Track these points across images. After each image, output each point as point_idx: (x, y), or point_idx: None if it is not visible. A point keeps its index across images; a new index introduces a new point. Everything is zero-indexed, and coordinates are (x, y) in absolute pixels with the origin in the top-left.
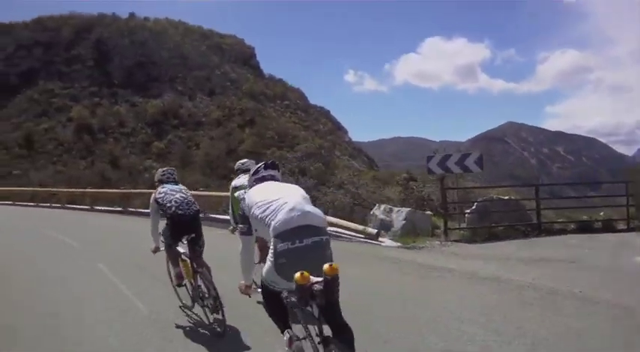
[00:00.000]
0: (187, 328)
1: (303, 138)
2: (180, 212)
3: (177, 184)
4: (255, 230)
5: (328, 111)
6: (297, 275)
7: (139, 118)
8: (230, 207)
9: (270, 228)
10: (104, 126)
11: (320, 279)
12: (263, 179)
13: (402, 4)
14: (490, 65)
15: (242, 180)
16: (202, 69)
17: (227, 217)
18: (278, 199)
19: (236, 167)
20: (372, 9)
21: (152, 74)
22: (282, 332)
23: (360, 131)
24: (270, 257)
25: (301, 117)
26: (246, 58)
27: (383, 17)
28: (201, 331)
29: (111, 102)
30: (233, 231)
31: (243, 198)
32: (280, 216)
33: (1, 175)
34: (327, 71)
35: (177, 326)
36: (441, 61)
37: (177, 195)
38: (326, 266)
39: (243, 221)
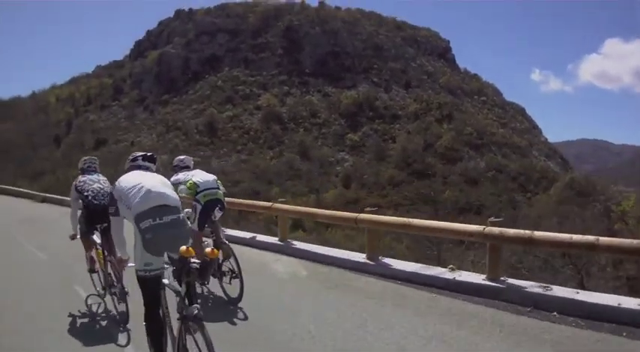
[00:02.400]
0: (91, 317)
1: (501, 136)
2: (95, 201)
3: (97, 174)
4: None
5: (523, 109)
6: (183, 248)
7: (332, 109)
8: None
9: (132, 210)
10: (295, 116)
11: (198, 261)
12: (138, 167)
13: (579, 4)
14: None
15: (181, 176)
16: (397, 60)
17: None
18: (138, 184)
19: (174, 164)
20: (552, 8)
21: (345, 64)
22: None
23: (546, 131)
24: (137, 238)
25: (498, 114)
26: (440, 51)
27: (563, 16)
28: (102, 319)
29: (302, 91)
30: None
31: (114, 184)
32: (138, 198)
33: None
34: (513, 69)
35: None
36: (621, 62)
37: (95, 185)
38: (208, 250)
39: (112, 203)
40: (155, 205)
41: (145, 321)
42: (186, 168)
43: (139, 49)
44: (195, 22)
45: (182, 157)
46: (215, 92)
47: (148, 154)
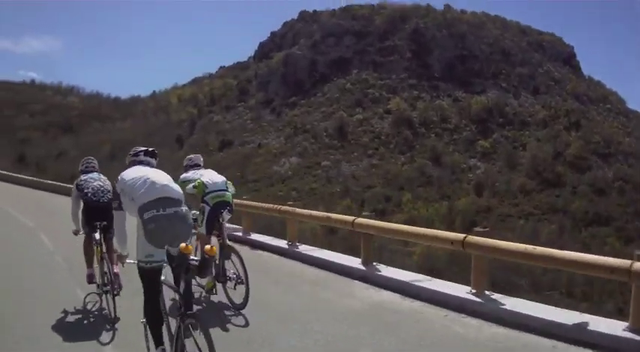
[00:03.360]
0: (83, 314)
1: (627, 145)
2: (94, 198)
3: (97, 173)
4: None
5: None
6: (183, 245)
7: (463, 114)
8: None
9: (135, 201)
10: (425, 121)
11: (197, 258)
12: (140, 162)
13: None
14: None
15: (190, 174)
16: (524, 66)
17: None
18: (143, 176)
19: (184, 163)
20: None
21: (473, 69)
22: (156, 348)
23: None
24: (139, 229)
25: (622, 122)
26: (565, 56)
27: None
28: (93, 317)
29: (432, 95)
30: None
31: (117, 179)
32: (143, 190)
33: (308, 165)
34: (633, 75)
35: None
36: None
37: (95, 183)
38: (207, 247)
39: (115, 197)
40: (159, 197)
41: (144, 312)
42: (196, 166)
43: (263, 51)
44: (320, 24)
45: (192, 156)
46: (344, 95)
47: (150, 149)
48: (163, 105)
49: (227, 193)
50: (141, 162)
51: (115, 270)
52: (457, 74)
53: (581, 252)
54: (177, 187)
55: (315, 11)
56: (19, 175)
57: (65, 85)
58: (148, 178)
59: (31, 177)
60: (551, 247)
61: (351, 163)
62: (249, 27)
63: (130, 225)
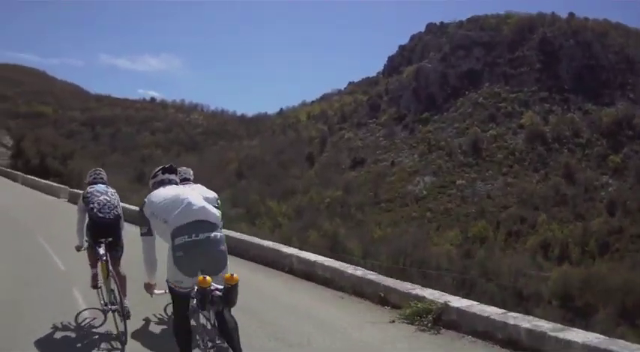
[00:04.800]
0: (88, 333)
1: None
2: (100, 214)
3: (106, 186)
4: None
5: None
6: (200, 278)
7: (593, 128)
8: None
9: (168, 224)
10: (558, 136)
11: (220, 286)
12: (162, 183)
13: None
14: None
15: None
16: None
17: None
18: (175, 197)
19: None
20: None
21: (601, 79)
22: None
23: None
24: (169, 252)
25: None
26: None
27: None
28: (100, 337)
29: (563, 108)
30: None
31: (144, 202)
32: (177, 212)
33: (442, 185)
34: None
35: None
36: None
37: (102, 198)
38: (227, 275)
39: (143, 222)
40: (195, 220)
41: (174, 330)
42: (186, 180)
43: (393, 65)
44: (448, 36)
45: (179, 169)
46: (477, 109)
47: (167, 166)
48: (292, 122)
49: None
50: (163, 182)
51: (121, 289)
52: (586, 85)
53: None
54: (214, 209)
55: (442, 23)
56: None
57: (188, 103)
58: (184, 198)
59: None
60: None
61: (486, 182)
62: (377, 41)
63: (159, 245)
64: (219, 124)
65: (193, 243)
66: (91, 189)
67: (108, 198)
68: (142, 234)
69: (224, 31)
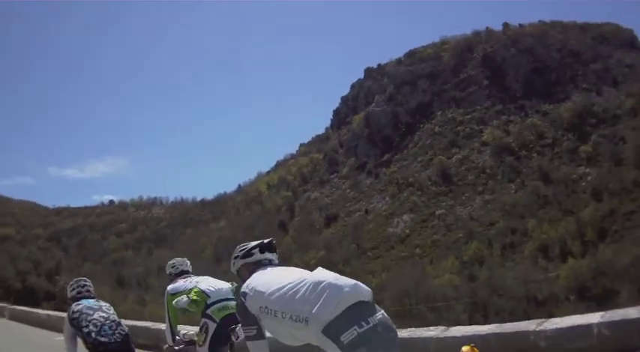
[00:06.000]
0: None
1: None
2: (102, 338)
3: (94, 300)
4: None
5: None
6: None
7: (556, 126)
8: (167, 319)
9: (311, 319)
10: (523, 143)
11: None
12: (259, 265)
13: None
14: None
15: (180, 284)
16: (596, 61)
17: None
18: (303, 281)
19: (167, 271)
20: None
21: (551, 78)
22: None
23: None
24: None
25: None
26: (628, 41)
27: None
28: None
29: (520, 116)
30: (171, 350)
31: (244, 294)
32: (324, 299)
33: (423, 219)
34: None
35: None
36: None
37: (97, 315)
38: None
39: (248, 321)
40: (351, 304)
41: None
42: (185, 273)
43: (339, 117)
44: (390, 75)
45: (173, 261)
46: (435, 139)
47: (265, 242)
48: (253, 196)
49: (235, 303)
50: (260, 264)
51: None
52: (537, 88)
53: None
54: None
55: (379, 65)
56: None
57: (146, 198)
58: (322, 281)
59: None
60: None
61: (465, 205)
62: (317, 98)
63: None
64: (182, 213)
65: (369, 333)
66: (79, 307)
67: (105, 315)
68: (248, 338)
69: (165, 121)
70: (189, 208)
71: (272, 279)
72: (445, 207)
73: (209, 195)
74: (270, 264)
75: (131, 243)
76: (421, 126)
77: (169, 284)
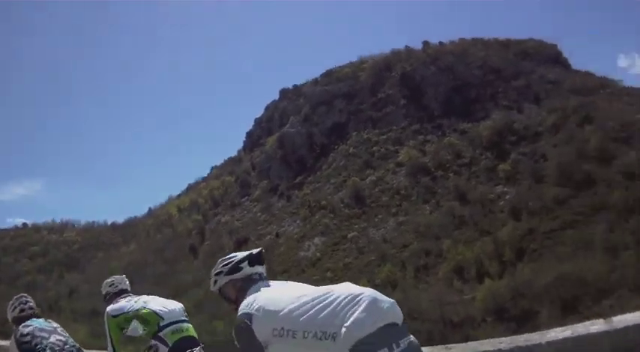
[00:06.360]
0: None
1: None
2: None
3: (43, 320)
4: None
5: None
6: None
7: (475, 144)
8: (109, 345)
9: (341, 334)
10: (440, 162)
11: None
12: (250, 280)
13: None
14: None
15: (122, 304)
16: (518, 78)
17: None
18: (332, 293)
19: (104, 291)
20: None
21: (470, 96)
22: None
23: None
24: None
25: (628, 101)
26: (553, 56)
27: None
28: None
29: (437, 135)
30: None
31: (247, 315)
32: (360, 312)
33: (334, 242)
34: (598, 59)
35: None
36: None
37: (54, 339)
38: None
39: (252, 348)
40: (384, 324)
41: None
42: (124, 292)
43: (252, 139)
44: (306, 96)
45: (111, 279)
46: (350, 160)
47: (255, 253)
48: (164, 219)
49: (190, 326)
50: (251, 279)
51: None
52: (456, 106)
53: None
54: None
55: (295, 86)
56: None
57: (59, 221)
58: (354, 295)
59: None
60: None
61: (378, 227)
62: (231, 120)
63: None
64: (94, 237)
65: None
66: (28, 329)
67: (63, 338)
68: None
69: (78, 143)
70: (100, 231)
71: (284, 295)
72: (358, 230)
73: (120, 218)
74: (261, 278)
75: (43, 265)
76: (336, 147)
77: (107, 305)
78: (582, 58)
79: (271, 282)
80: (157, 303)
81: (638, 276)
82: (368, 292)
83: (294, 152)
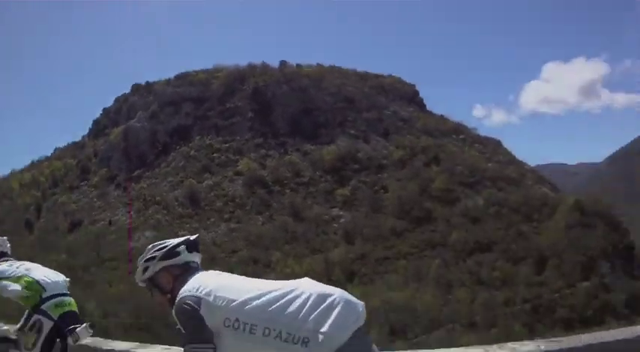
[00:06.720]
0: None
1: (492, 171)
2: None
3: None
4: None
5: (499, 142)
6: None
7: (316, 167)
8: None
9: (316, 339)
10: (278, 178)
11: None
12: (187, 268)
13: (512, 34)
14: (610, 80)
15: (3, 268)
16: (370, 110)
17: None
18: (295, 290)
19: None
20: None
21: (319, 120)
22: None
23: None
24: None
25: (479, 149)
26: (409, 96)
27: (494, 46)
28: None
29: (280, 152)
30: None
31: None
32: (336, 316)
33: (164, 238)
34: (453, 108)
35: None
36: (563, 83)
37: None
38: None
39: (204, 338)
40: (358, 327)
41: None
42: (4, 255)
43: (98, 128)
44: (156, 94)
45: None
46: (190, 162)
47: (192, 239)
48: (4, 191)
49: (72, 300)
50: (189, 267)
51: None
52: (303, 128)
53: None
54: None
55: (148, 82)
56: None
57: None
58: (323, 294)
59: None
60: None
61: (209, 230)
62: (80, 106)
63: None
64: None
65: None
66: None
67: None
68: None
69: None
70: None
71: (237, 283)
72: (189, 229)
73: None
74: (198, 268)
75: None
76: (178, 147)
77: None
78: (438, 103)
79: (224, 273)
80: (40, 273)
81: (470, 313)
82: (338, 292)
83: (137, 146)
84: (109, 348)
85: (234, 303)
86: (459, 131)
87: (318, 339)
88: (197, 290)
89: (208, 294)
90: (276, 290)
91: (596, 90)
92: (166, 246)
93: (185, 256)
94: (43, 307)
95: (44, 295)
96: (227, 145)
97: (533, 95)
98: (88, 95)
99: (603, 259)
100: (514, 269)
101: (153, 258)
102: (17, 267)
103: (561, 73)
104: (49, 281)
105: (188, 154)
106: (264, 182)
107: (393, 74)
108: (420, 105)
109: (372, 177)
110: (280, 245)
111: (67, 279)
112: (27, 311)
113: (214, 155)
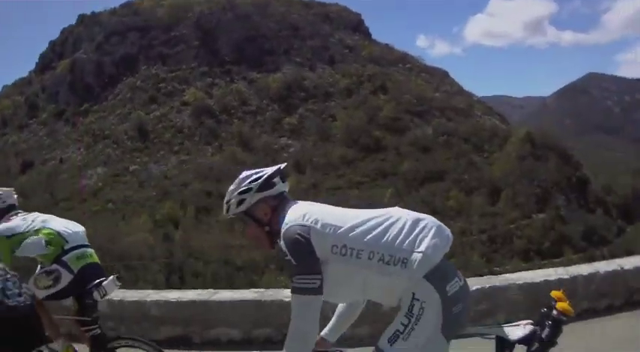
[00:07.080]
0: None
1: (440, 101)
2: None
3: None
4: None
5: (447, 72)
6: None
7: (262, 95)
8: None
9: (414, 260)
10: (225, 107)
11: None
12: (283, 199)
13: None
14: (557, 18)
15: (16, 222)
16: (315, 38)
17: None
18: (391, 216)
19: None
20: None
21: (264, 48)
22: None
23: None
24: (427, 311)
25: (427, 79)
26: (354, 24)
27: None
28: None
29: (226, 80)
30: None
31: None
32: (431, 238)
33: (115, 173)
34: (397, 38)
35: None
36: (508, 18)
37: None
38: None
39: (313, 269)
40: (446, 252)
41: None
42: (12, 208)
43: (44, 62)
44: (102, 25)
45: (1, 191)
46: (136, 93)
47: (282, 167)
48: None
49: (93, 251)
50: (288, 199)
51: None
52: (248, 55)
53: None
54: None
55: (93, 13)
56: None
57: None
58: (416, 219)
59: None
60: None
61: (159, 163)
62: (27, 40)
63: None
64: None
65: (467, 289)
66: None
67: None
68: (304, 291)
69: None
70: None
71: (338, 212)
72: (139, 164)
73: None
74: (288, 197)
75: None
76: (124, 78)
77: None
78: (382, 32)
79: (305, 202)
80: (58, 223)
81: None
82: (430, 217)
83: (83, 79)
84: (161, 299)
85: (340, 230)
86: (405, 60)
87: (415, 259)
88: (304, 219)
89: (315, 222)
90: (376, 217)
91: (543, 27)
92: (261, 177)
93: (280, 186)
94: (64, 258)
95: (66, 246)
96: (173, 74)
97: (477, 28)
98: (35, 28)
99: (557, 192)
100: (468, 199)
101: (249, 189)
102: (33, 220)
103: (507, 8)
104: (69, 231)
105: (135, 85)
106: (211, 111)
107: (339, 2)
108: (366, 34)
109: (319, 105)
110: (230, 176)
111: (84, 230)
112: (39, 265)
113: (160, 85)
